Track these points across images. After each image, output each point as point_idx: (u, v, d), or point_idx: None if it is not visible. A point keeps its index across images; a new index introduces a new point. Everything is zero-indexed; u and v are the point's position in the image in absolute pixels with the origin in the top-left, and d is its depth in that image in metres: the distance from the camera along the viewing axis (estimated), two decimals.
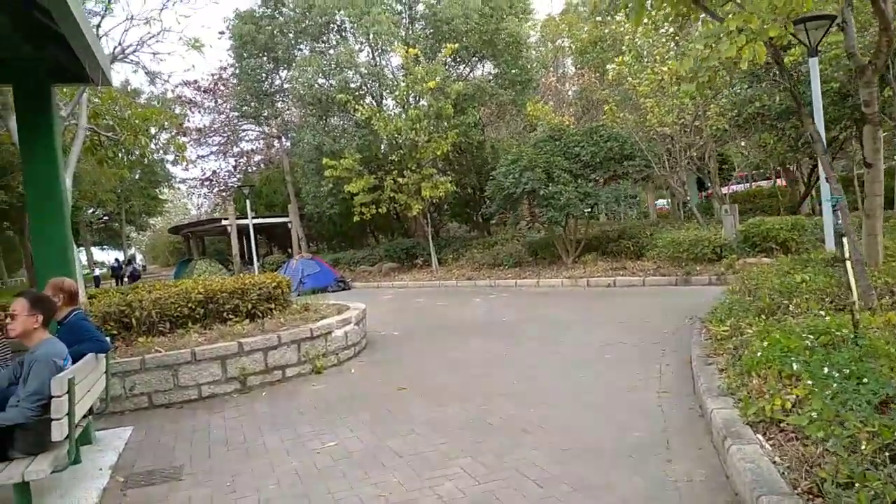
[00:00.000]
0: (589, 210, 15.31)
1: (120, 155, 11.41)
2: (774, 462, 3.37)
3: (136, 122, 11.53)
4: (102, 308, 7.44)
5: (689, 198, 16.80)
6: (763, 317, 6.18)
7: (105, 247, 62.45)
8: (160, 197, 51.40)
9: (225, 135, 32.14)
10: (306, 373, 7.58)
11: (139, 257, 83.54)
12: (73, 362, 4.38)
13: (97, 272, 42.22)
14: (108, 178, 30.66)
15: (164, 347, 7.04)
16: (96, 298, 8.90)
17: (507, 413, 5.17)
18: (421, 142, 18.05)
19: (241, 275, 27.57)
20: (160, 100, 40.39)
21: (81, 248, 54.07)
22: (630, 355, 6.88)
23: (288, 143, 27.06)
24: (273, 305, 8.66)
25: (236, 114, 27.43)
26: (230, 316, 8.10)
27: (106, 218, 47.85)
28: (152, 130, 12.10)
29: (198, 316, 7.93)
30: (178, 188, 47.09)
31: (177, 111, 39.88)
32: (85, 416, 4.60)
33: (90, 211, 41.91)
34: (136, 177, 45.12)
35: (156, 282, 9.70)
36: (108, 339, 5.00)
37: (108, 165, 12.28)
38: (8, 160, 21.20)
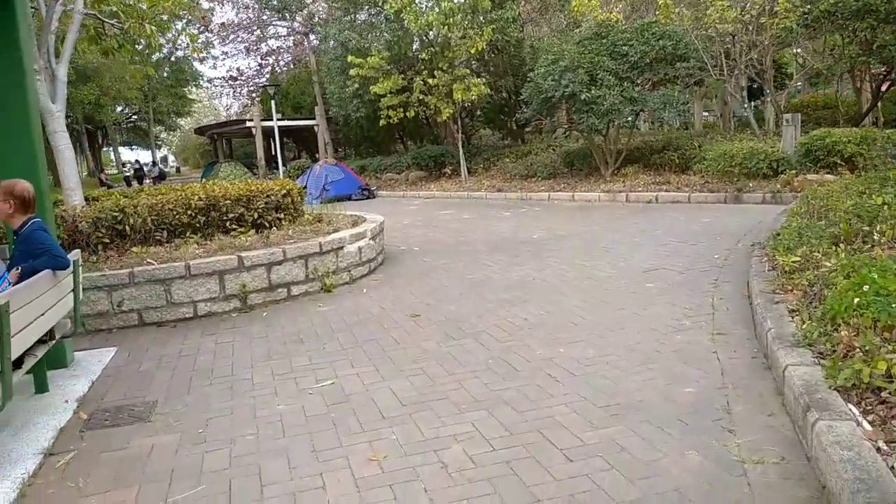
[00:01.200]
0: (634, 117, 14.05)
1: (126, 45, 10.40)
2: (880, 450, 2.57)
3: (142, 7, 10.50)
4: (94, 213, 6.78)
5: (745, 105, 15.34)
6: (841, 246, 5.22)
7: (134, 147, 62.28)
8: (189, 96, 50.47)
9: (252, 31, 30.65)
10: (314, 291, 6.92)
11: (171, 158, 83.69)
12: (24, 279, 3.72)
13: (128, 172, 41.90)
14: (133, 76, 29.85)
15: (158, 259, 6.40)
16: (98, 201, 8.27)
17: (532, 353, 4.42)
18: (454, 38, 16.65)
19: (263, 179, 26.94)
20: None
21: (110, 147, 54.00)
22: (676, 285, 6.03)
23: (316, 41, 25.63)
24: (282, 215, 7.92)
25: (260, 5, 25.85)
26: (234, 226, 7.39)
27: (134, 117, 47.28)
28: (163, 17, 11.01)
29: (198, 225, 7.24)
30: (208, 87, 45.97)
31: (205, 6, 38.39)
32: (44, 342, 3.98)
33: (118, 109, 41.34)
34: (165, 75, 44.17)
35: (179, 185, 9.00)
36: (69, 253, 4.30)
37: (113, 56, 11.33)
38: None
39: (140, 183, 32.82)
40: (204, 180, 30.31)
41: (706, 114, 28.95)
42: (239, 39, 31.50)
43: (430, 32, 17.23)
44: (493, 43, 18.05)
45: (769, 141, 13.21)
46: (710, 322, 4.79)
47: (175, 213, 7.09)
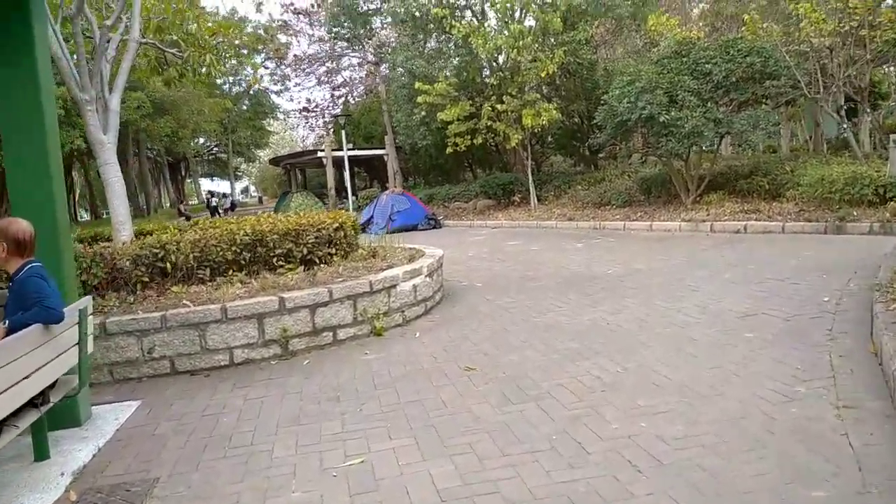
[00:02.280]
0: (718, 140, 12.96)
1: (187, 75, 10.25)
2: None
3: (204, 37, 10.38)
4: (134, 251, 6.42)
5: (843, 126, 13.96)
6: None
7: (215, 178, 64.53)
8: (267, 128, 51.93)
9: (325, 63, 31.07)
10: (363, 335, 6.30)
11: (252, 189, 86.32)
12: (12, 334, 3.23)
13: (214, 202, 42.63)
14: (212, 109, 30.73)
15: (197, 300, 5.94)
16: (145, 236, 8.01)
17: (607, 427, 3.61)
18: (524, 62, 16.02)
19: (333, 209, 26.91)
20: (265, 27, 39.97)
21: (190, 179, 55.95)
22: (781, 335, 5.06)
23: (385, 70, 25.62)
24: (333, 250, 7.39)
25: (330, 36, 26.03)
26: (281, 262, 6.90)
27: (215, 149, 48.91)
28: (222, 46, 10.86)
29: (244, 262, 6.78)
30: (284, 119, 47.13)
31: (282, 39, 39.46)
32: (36, 405, 3.48)
33: (198, 141, 42.80)
34: (244, 108, 45.62)
35: (249, 216, 8.65)
36: (80, 299, 3.83)
37: (175, 86, 11.25)
38: None
39: (213, 214, 33.55)
40: (274, 211, 30.71)
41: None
42: (312, 71, 31.97)
43: (499, 57, 16.68)
44: (564, 66, 17.33)
45: (873, 164, 11.86)
46: (832, 389, 3.85)
47: (219, 249, 6.66)
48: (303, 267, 6.95)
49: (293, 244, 7.02)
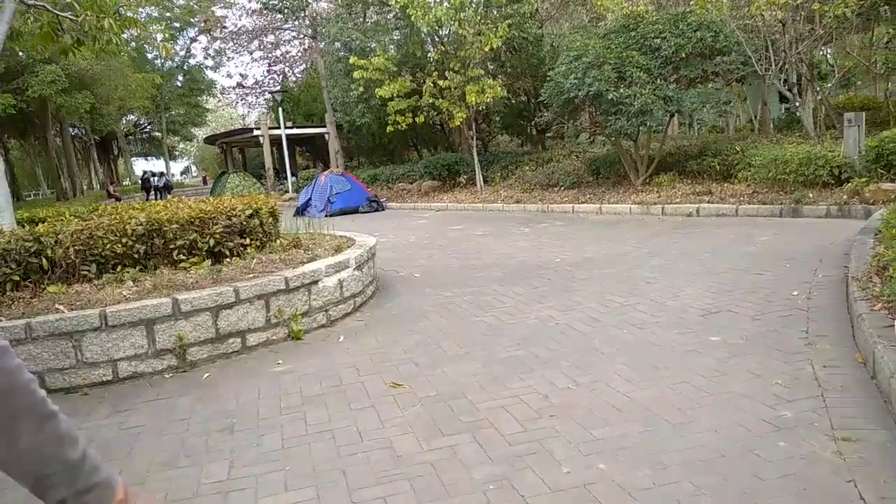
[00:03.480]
0: (668, 118, 12.45)
1: (86, 43, 9.04)
2: None
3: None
4: (1, 244, 5.38)
5: (797, 104, 13.63)
6: None
7: (150, 158, 61.69)
8: (203, 106, 49.69)
9: (260, 37, 29.55)
10: (278, 339, 5.46)
11: (193, 169, 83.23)
12: None
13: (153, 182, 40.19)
14: (139, 84, 28.87)
15: (74, 303, 4.99)
16: (36, 225, 6.95)
17: (557, 471, 2.89)
18: (467, 36, 15.17)
19: (271, 190, 25.65)
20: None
21: (122, 159, 53.17)
22: (752, 339, 4.45)
23: (322, 44, 24.40)
24: (247, 241, 6.46)
25: (260, 6, 24.56)
26: (183, 256, 5.95)
27: (147, 127, 46.51)
28: (125, 12, 9.66)
29: (137, 256, 5.81)
30: (222, 96, 45.08)
31: (218, 13, 37.51)
32: None
33: (129, 119, 40.53)
34: (178, 84, 43.43)
35: (181, 198, 7.59)
36: None
37: (73, 55, 10.00)
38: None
39: (147, 195, 31.78)
40: (210, 193, 29.23)
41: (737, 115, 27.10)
42: (248, 46, 30.41)
43: (441, 30, 15.80)
44: (509, 41, 16.56)
45: (826, 145, 11.52)
46: (824, 413, 3.21)
47: (107, 241, 5.67)
48: (210, 261, 6.02)
49: (198, 234, 6.07)
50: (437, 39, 16.63)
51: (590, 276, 6.94)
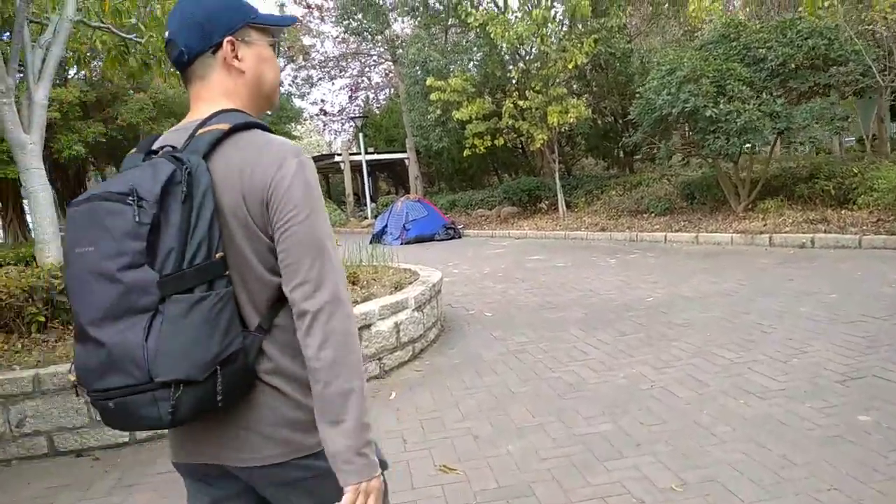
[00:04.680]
0: (776, 136, 11.15)
1: (153, 65, 8.81)
2: None
3: (166, 19, 8.93)
4: (28, 281, 4.96)
5: None
6: None
7: None
8: (292, 133, 50.92)
9: (342, 62, 29.84)
10: None
11: None
12: None
13: None
14: None
15: None
16: None
17: None
18: (550, 53, 14.34)
19: (351, 216, 25.55)
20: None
21: None
22: None
23: (402, 67, 24.22)
24: None
25: (340, 31, 24.63)
26: None
27: None
28: None
29: None
30: (306, 123, 46.03)
31: (306, 42, 38.39)
32: None
33: None
34: (267, 113, 44.60)
35: None
36: None
37: (138, 77, 9.83)
38: None
39: None
40: None
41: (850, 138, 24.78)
42: (333, 71, 30.80)
43: (522, 48, 15.05)
44: (595, 57, 15.60)
45: None
46: None
47: None
48: None
49: None
50: (518, 58, 15.89)
51: (689, 322, 5.89)
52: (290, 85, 42.40)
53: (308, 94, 45.77)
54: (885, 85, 11.29)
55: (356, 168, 27.44)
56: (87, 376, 1.21)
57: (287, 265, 1.27)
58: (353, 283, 6.24)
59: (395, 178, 35.36)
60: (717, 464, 3.12)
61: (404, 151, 27.35)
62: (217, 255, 1.22)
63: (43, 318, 4.88)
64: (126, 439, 4.14)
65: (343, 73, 30.94)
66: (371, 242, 17.11)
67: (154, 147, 1.35)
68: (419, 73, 16.97)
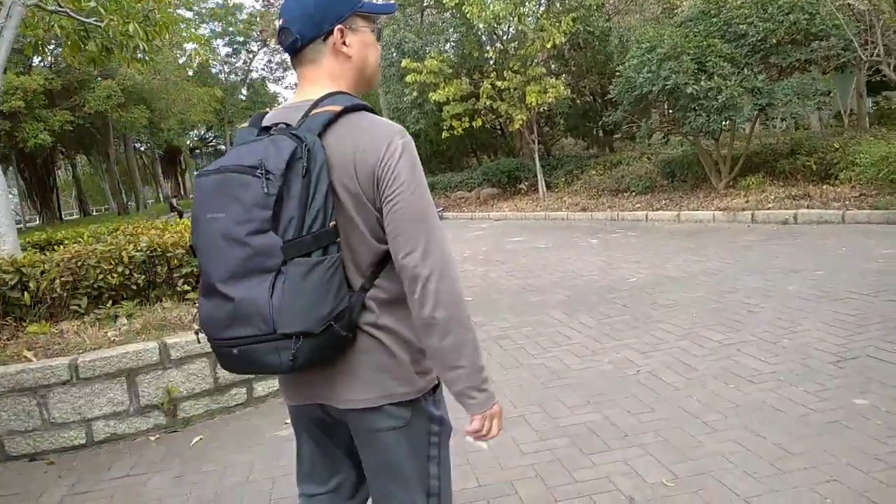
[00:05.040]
0: (757, 113, 11.00)
1: (115, 50, 8.41)
2: None
3: (131, 3, 8.52)
4: None
5: None
6: None
7: None
8: None
9: None
10: None
11: None
12: None
13: None
14: (201, 98, 29.01)
15: (47, 347, 4.17)
16: (46, 249, 6.34)
17: None
18: (528, 32, 14.04)
19: None
20: (260, 13, 38.19)
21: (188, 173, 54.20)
22: None
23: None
24: None
25: None
26: (190, 285, 5.10)
27: (213, 141, 47.23)
28: (155, 15, 8.99)
29: (136, 287, 4.99)
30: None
31: (278, 24, 37.68)
32: None
33: (194, 133, 41.16)
34: (241, 97, 43.92)
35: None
36: None
37: (102, 64, 9.43)
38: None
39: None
40: None
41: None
42: None
43: (499, 27, 14.74)
44: (573, 36, 15.32)
45: None
46: None
47: (100, 271, 4.87)
48: None
49: None
50: (496, 38, 15.57)
51: (674, 302, 5.72)
52: (263, 70, 41.73)
53: (282, 78, 44.90)
54: (866, 60, 11.15)
55: None
56: (212, 326, 1.38)
57: (396, 235, 1.42)
58: None
59: None
60: (709, 455, 2.94)
61: None
62: (331, 224, 1.35)
63: None
64: (83, 441, 3.88)
65: None
66: None
67: (266, 123, 1.49)
68: (394, 54, 16.58)
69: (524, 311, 6.08)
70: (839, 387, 3.52)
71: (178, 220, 8.51)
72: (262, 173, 1.32)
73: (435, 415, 1.56)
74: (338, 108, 1.43)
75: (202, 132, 47.04)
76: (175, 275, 5.09)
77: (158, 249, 5.06)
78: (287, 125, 1.44)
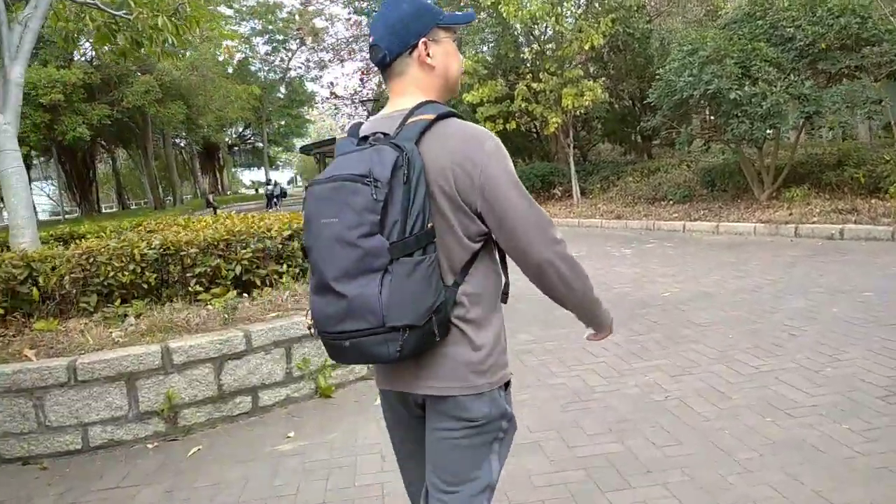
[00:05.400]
0: (803, 121, 10.52)
1: (146, 44, 8.39)
2: None
3: None
4: None
5: None
6: None
7: (253, 168, 63.61)
8: (305, 117, 50.56)
9: (352, 45, 29.34)
10: (302, 397, 4.35)
11: (299, 179, 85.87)
12: None
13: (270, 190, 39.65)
14: (238, 95, 29.28)
15: (51, 346, 4.05)
16: (68, 243, 6.28)
17: None
18: (565, 33, 13.72)
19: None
20: (299, 12, 38.44)
21: (226, 169, 54.80)
22: None
23: None
24: (284, 268, 5.39)
25: (345, 9, 24.08)
26: (202, 286, 4.95)
27: (252, 138, 47.71)
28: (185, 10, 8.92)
29: (148, 286, 4.86)
30: (317, 107, 45.65)
31: (319, 25, 37.89)
32: None
33: (232, 129, 41.60)
34: (279, 95, 44.29)
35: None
36: None
37: (132, 58, 9.43)
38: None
39: (269, 204, 33.60)
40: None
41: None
42: (342, 54, 30.30)
43: (536, 28, 14.45)
44: (612, 38, 14.95)
45: None
46: None
47: (110, 268, 4.75)
48: (236, 292, 4.99)
49: (222, 260, 5.06)
50: (532, 38, 15.27)
51: (710, 321, 5.38)
52: (303, 68, 41.97)
53: (320, 77, 45.21)
54: None
55: None
56: (325, 321, 1.50)
57: (504, 230, 1.54)
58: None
59: None
60: (741, 500, 2.64)
61: None
62: (429, 225, 1.46)
63: (1, 311, 4.49)
64: (79, 446, 3.74)
65: (353, 55, 30.36)
66: None
67: (363, 133, 1.59)
68: None
69: (550, 324, 5.80)
70: (889, 426, 3.18)
71: (211, 216, 8.45)
72: (370, 181, 1.42)
73: (507, 411, 1.64)
74: (431, 117, 1.52)
75: (241, 129, 47.57)
76: (188, 274, 4.95)
77: (172, 248, 4.93)
78: (385, 134, 1.53)
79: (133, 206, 37.42)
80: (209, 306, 4.69)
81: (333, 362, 4.50)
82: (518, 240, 1.53)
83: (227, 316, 4.41)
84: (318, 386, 4.40)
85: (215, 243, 5.06)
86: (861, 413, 3.35)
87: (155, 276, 4.87)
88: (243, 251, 5.12)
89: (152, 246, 4.89)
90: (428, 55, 1.60)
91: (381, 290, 1.42)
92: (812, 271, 7.00)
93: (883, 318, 5.00)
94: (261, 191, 55.12)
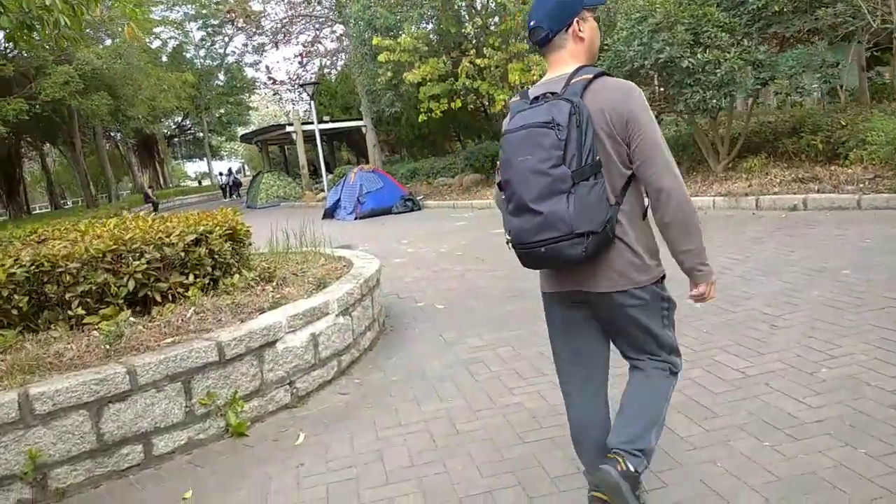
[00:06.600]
0: (759, 88, 10.07)
1: (34, 25, 7.34)
2: None
3: None
4: None
5: None
6: None
7: (195, 159, 61.40)
8: (248, 104, 48.80)
9: (291, 29, 28.02)
10: (209, 438, 3.60)
11: (247, 168, 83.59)
12: None
13: (224, 181, 38.39)
14: (172, 83, 27.77)
15: None
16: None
17: None
18: (508, 5, 13.03)
19: (306, 189, 24.10)
20: None
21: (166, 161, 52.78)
22: None
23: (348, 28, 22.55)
24: (191, 279, 4.59)
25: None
26: (88, 307, 4.12)
27: (190, 129, 45.79)
28: None
29: (17, 310, 4.01)
30: (255, 94, 44.02)
31: (256, 8, 36.23)
32: None
33: (168, 120, 39.78)
34: (218, 83, 42.52)
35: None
36: None
37: (24, 42, 8.35)
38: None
39: (225, 194, 33.02)
40: (247, 195, 27.89)
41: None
42: (277, 37, 29.04)
43: (478, 1, 13.72)
44: None
45: None
46: None
47: None
48: (129, 312, 4.18)
49: (111, 274, 4.23)
50: (475, 12, 14.53)
51: (678, 313, 4.80)
52: (237, 53, 40.23)
53: (259, 63, 43.41)
54: (877, 27, 10.19)
55: (310, 138, 25.88)
56: (524, 235, 2.00)
57: (643, 160, 2.02)
58: (267, 281, 5.02)
59: (354, 148, 33.84)
60: None
61: (361, 119, 25.86)
62: (597, 158, 1.95)
63: None
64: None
65: (288, 39, 29.12)
66: (323, 218, 15.85)
67: (534, 94, 2.09)
68: (366, 32, 15.49)
69: (504, 324, 5.16)
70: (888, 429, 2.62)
71: (147, 212, 7.53)
72: (554, 126, 1.94)
73: (665, 295, 2.19)
74: (589, 77, 2.02)
75: (179, 120, 45.61)
76: (69, 294, 4.11)
77: (46, 264, 4.08)
78: (553, 94, 2.04)
79: (69, 206, 35.47)
80: (95, 332, 3.89)
81: (251, 391, 3.79)
82: (649, 164, 2.00)
83: (108, 347, 3.62)
84: (227, 423, 3.66)
85: (100, 255, 4.22)
86: (875, 430, 2.79)
87: (27, 298, 4.02)
88: (136, 262, 4.30)
89: (21, 263, 4.04)
90: (580, 30, 2.10)
91: (569, 206, 1.90)
92: (781, 248, 6.52)
93: (868, 300, 4.49)
94: (205, 182, 53.44)
